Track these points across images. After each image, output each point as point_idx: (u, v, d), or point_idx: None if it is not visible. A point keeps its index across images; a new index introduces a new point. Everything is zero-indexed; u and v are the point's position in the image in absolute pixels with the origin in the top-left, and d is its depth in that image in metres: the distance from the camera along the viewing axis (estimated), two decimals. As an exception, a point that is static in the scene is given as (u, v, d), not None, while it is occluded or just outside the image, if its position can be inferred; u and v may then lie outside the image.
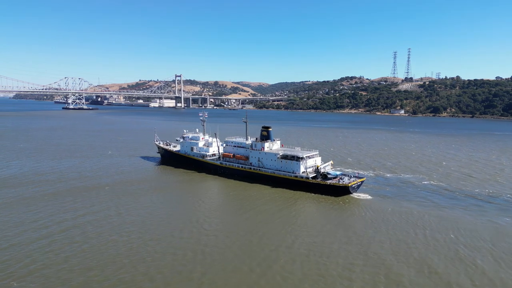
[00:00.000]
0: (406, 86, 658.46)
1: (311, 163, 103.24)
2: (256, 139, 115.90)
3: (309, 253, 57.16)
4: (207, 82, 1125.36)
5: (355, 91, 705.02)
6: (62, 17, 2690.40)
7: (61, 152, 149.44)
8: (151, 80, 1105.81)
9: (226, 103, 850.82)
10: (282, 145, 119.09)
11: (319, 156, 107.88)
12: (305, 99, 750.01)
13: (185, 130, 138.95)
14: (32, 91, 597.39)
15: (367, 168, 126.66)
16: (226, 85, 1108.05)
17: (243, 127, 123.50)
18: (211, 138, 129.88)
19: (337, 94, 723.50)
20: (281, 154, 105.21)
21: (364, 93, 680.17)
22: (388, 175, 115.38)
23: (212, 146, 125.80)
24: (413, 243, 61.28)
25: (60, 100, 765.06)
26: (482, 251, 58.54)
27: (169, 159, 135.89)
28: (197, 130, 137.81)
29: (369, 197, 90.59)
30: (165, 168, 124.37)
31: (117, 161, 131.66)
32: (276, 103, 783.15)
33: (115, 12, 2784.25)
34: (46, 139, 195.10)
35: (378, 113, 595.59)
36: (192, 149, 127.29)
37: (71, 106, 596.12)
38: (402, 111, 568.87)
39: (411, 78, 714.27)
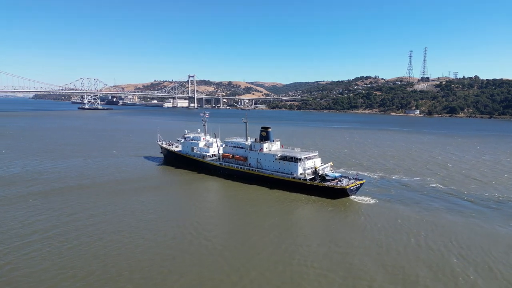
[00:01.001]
0: (422, 86, 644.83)
1: (310, 165, 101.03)
2: (255, 139, 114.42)
3: (291, 260, 54.84)
4: (221, 83, 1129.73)
5: (369, 91, 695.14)
6: (82, 21, 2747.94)
7: (65, 152, 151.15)
8: (165, 81, 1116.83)
9: (239, 103, 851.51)
10: (282, 146, 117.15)
11: (319, 157, 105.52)
12: (318, 99, 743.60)
13: (186, 130, 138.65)
14: (48, 91, 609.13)
15: (370, 169, 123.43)
16: (239, 85, 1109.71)
17: (248, 127, 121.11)
18: (212, 138, 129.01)
19: (351, 94, 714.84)
20: (279, 155, 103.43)
21: (378, 93, 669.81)
22: (392, 177, 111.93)
23: (212, 147, 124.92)
24: (404, 252, 58.08)
25: (77, 101, 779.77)
26: (477, 263, 55.02)
27: (171, 159, 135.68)
28: (198, 130, 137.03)
29: (368, 200, 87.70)
30: (164, 168, 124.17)
31: (118, 161, 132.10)
32: (289, 103, 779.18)
33: (132, 15, 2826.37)
34: (54, 138, 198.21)
35: (393, 113, 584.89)
36: (192, 149, 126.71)
37: (86, 106, 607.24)
38: (417, 112, 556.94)
39: (427, 78, 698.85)
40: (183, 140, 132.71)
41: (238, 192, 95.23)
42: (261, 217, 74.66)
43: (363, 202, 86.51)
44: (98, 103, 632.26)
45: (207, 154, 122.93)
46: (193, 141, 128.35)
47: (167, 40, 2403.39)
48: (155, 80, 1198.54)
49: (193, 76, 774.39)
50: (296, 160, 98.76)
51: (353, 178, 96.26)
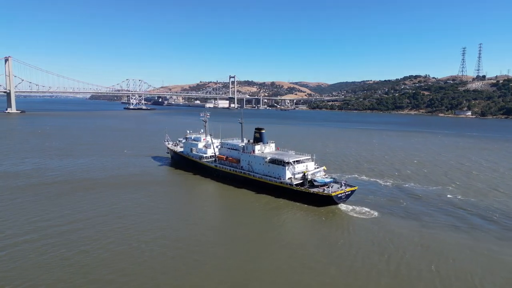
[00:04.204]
0: (476, 85, 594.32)
1: (300, 169, 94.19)
2: (249, 141, 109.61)
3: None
4: (264, 83, 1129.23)
5: (416, 90, 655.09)
6: (138, 26, 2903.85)
7: (80, 151, 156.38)
8: (210, 82, 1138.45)
9: (280, 104, 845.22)
10: (278, 148, 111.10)
11: (312, 161, 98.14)
12: (361, 99, 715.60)
13: (188, 131, 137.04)
14: (102, 93, 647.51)
15: (383, 176, 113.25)
16: (282, 86, 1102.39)
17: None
18: (214, 139, 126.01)
19: (396, 94, 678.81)
20: (268, 158, 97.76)
21: (426, 93, 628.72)
22: (405, 185, 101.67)
23: (210, 148, 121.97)
24: (377, 277, 50.01)
25: (126, 101, 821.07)
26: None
27: (176, 159, 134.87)
28: (201, 131, 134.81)
29: (359, 209, 79.31)
30: (165, 168, 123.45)
31: (124, 160, 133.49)
32: (330, 103, 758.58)
33: (183, 16, 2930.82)
34: (78, 137, 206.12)
35: (441, 114, 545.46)
36: (191, 150, 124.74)
37: (131, 107, 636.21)
38: (469, 113, 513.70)
39: (483, 77, 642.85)
40: (184, 140, 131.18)
41: (222, 198, 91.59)
42: (226, 230, 70.00)
43: (352, 212, 78.17)
44: (142, 104, 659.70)
45: (204, 155, 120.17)
46: (193, 142, 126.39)
47: (213, 42, 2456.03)
48: (200, 81, 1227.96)
49: (233, 77, 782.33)
50: (284, 163, 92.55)
51: (345, 184, 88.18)
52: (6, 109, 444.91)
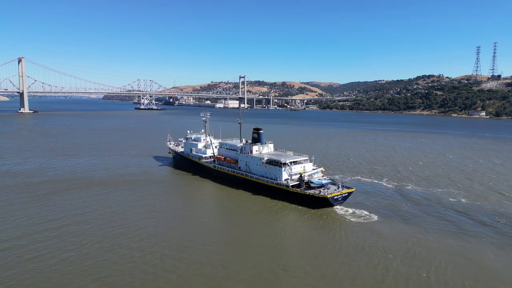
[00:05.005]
0: (490, 85, 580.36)
1: (297, 170, 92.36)
2: (247, 141, 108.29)
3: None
4: (275, 83, 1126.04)
5: (429, 90, 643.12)
6: (150, 28, 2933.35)
7: (84, 151, 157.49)
8: (221, 82, 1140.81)
9: (290, 104, 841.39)
10: (277, 149, 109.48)
11: (310, 162, 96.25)
12: (373, 99, 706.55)
13: (188, 131, 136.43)
14: (109, 92, 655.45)
15: (384, 177, 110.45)
16: (293, 86, 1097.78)
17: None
18: (214, 140, 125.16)
19: (408, 94, 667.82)
20: (265, 159, 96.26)
21: (439, 93, 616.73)
22: (407, 188, 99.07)
23: (210, 148, 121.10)
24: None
25: (137, 101, 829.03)
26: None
27: (177, 160, 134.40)
28: (202, 131, 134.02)
29: (358, 213, 76.90)
30: (165, 169, 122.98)
31: (126, 160, 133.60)
32: (341, 103, 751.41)
33: (197, 17, 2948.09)
34: (82, 137, 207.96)
35: (454, 114, 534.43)
36: (191, 150, 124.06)
37: (142, 107, 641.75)
38: (483, 113, 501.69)
39: (498, 76, 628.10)
40: (184, 140, 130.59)
41: (217, 199, 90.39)
42: (210, 234, 68.59)
43: (350, 215, 75.72)
44: (153, 104, 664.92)
45: (204, 155, 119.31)
46: (193, 142, 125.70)
47: (225, 43, 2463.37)
48: (212, 82, 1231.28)
49: (243, 77, 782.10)
50: (280, 164, 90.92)
51: (343, 185, 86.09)
52: (19, 109, 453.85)
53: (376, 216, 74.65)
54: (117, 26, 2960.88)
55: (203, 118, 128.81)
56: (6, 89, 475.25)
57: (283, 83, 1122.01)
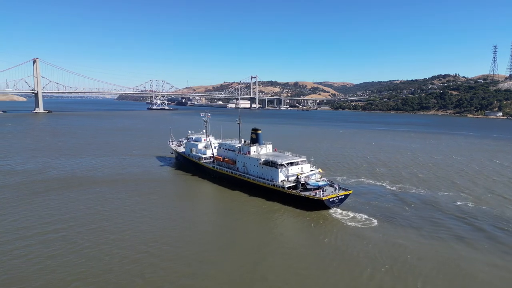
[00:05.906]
0: (508, 85, 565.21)
1: (294, 171, 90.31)
2: (245, 142, 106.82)
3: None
4: (287, 83, 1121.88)
5: (444, 90, 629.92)
6: (160, 31, 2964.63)
7: (89, 150, 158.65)
8: (234, 82, 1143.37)
9: (302, 104, 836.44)
10: (275, 150, 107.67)
11: (308, 163, 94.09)
12: (386, 99, 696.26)
13: (189, 131, 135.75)
14: (122, 93, 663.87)
15: (387, 180, 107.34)
16: (306, 86, 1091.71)
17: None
18: (215, 140, 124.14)
19: (423, 94, 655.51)
20: (262, 159, 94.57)
21: (454, 93, 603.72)
22: (411, 191, 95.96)
23: (210, 148, 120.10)
24: None
25: (150, 101, 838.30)
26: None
27: (179, 160, 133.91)
28: (203, 131, 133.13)
29: (357, 216, 74.02)
30: (165, 169, 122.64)
31: (128, 160, 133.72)
32: (353, 103, 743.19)
33: (210, 19, 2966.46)
34: (89, 137, 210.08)
35: (470, 115, 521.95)
36: (191, 150, 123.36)
37: (154, 107, 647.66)
38: (500, 114, 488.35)
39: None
40: (185, 141, 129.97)
41: (214, 200, 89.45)
42: (200, 237, 67.30)
43: (348, 219, 73.02)
44: (165, 104, 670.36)
45: (203, 156, 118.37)
46: (194, 142, 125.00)
47: (238, 43, 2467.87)
48: (224, 82, 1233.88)
49: (255, 77, 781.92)
50: (276, 165, 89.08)
51: (340, 187, 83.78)
52: (34, 109, 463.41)
53: (378, 221, 71.52)
54: (130, 27, 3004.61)
55: (204, 118, 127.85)
56: (21, 89, 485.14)
57: (296, 83, 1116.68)
